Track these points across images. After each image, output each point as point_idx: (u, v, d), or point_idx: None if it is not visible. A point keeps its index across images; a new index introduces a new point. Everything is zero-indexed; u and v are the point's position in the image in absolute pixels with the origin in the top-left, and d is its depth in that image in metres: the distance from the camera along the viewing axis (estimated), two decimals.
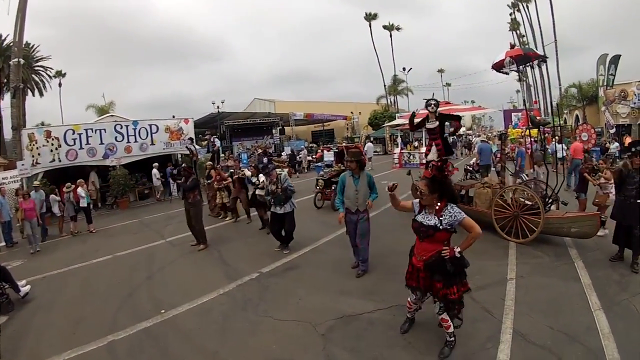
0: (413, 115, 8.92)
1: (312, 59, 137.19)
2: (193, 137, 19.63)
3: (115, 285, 7.23)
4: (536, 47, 43.25)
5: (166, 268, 8.03)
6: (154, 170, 18.07)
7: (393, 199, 4.49)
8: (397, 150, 25.81)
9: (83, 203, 12.72)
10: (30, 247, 10.26)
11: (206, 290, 6.52)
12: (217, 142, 16.56)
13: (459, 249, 3.96)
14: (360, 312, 5.32)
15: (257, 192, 10.07)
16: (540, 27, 48.44)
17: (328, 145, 18.28)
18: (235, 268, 7.59)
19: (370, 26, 55.63)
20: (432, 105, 8.52)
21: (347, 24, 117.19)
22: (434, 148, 8.71)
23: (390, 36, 58.40)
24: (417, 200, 4.23)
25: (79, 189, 12.90)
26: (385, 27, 58.03)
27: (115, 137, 17.84)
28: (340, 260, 7.39)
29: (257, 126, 34.07)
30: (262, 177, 9.91)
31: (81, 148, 16.83)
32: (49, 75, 35.90)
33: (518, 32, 57.69)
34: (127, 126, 18.31)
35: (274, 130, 34.50)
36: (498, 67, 8.13)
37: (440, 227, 3.96)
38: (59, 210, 12.57)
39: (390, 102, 54.06)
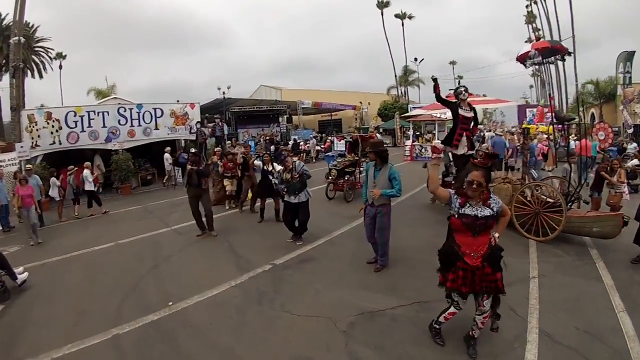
0: (436, 80, 8.30)
1: (317, 48, 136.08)
2: (199, 121, 19.32)
3: (119, 274, 6.97)
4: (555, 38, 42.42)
5: (173, 257, 7.76)
6: (166, 155, 17.74)
7: (433, 173, 4.22)
8: (408, 142, 25.44)
9: (89, 186, 12.56)
10: (31, 238, 9.48)
11: (217, 281, 6.26)
12: (225, 128, 16.26)
13: (497, 234, 3.95)
14: (382, 308, 5.15)
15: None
16: (557, 21, 47.66)
17: (342, 134, 17.91)
18: (247, 259, 7.33)
19: (382, 14, 54.80)
20: (463, 93, 8.11)
21: (355, 12, 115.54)
22: (464, 139, 8.29)
23: (402, 25, 57.56)
24: (455, 191, 4.01)
25: (85, 172, 12.69)
26: (397, 15, 57.11)
27: (119, 121, 17.51)
28: (357, 254, 7.21)
29: (263, 114, 33.71)
30: (277, 167, 9.61)
31: (83, 131, 16.53)
32: (49, 57, 35.68)
33: (534, 25, 56.93)
34: (130, 109, 17.97)
35: (280, 119, 34.22)
36: (522, 59, 7.97)
37: (495, 215, 3.79)
38: (58, 195, 12.29)
39: (401, 92, 53.35)
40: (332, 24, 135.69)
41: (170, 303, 5.59)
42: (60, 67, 49.89)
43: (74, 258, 8.18)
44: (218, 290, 5.96)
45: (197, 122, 17.65)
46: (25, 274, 6.79)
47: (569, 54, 8.06)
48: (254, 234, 9.05)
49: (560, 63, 8.40)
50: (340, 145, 18.91)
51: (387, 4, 54.56)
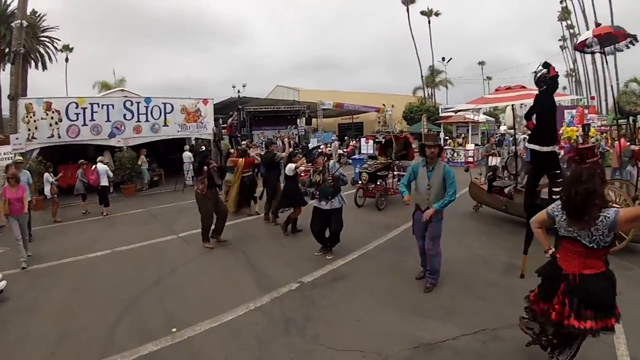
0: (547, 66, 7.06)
1: (337, 46, 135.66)
2: (212, 119, 18.65)
3: (114, 289, 6.11)
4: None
5: (179, 270, 6.90)
6: (186, 154, 17.03)
7: (543, 240, 3.58)
8: None
9: (105, 182, 12.16)
10: (21, 256, 7.43)
11: (232, 303, 5.36)
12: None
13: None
14: (441, 338, 4.36)
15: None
16: (595, 15, 46.73)
17: (373, 134, 16.99)
18: (268, 275, 6.43)
19: (407, 10, 54.23)
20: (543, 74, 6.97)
21: (377, 9, 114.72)
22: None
23: (429, 22, 57.06)
24: (557, 204, 3.30)
25: (101, 166, 12.18)
26: (423, 12, 56.65)
27: (124, 115, 16.82)
28: (399, 269, 6.49)
29: (280, 114, 32.86)
30: (292, 165, 8.75)
31: (84, 124, 15.88)
32: (55, 47, 35.49)
33: (569, 21, 55.95)
34: (138, 103, 17.30)
35: (298, 120, 33.36)
36: (581, 46, 7.32)
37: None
38: (50, 193, 11.53)
39: (428, 94, 52.54)
40: (354, 21, 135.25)
41: (174, 330, 4.69)
42: (67, 59, 50.14)
43: (64, 266, 7.38)
44: (234, 315, 5.05)
45: (236, 110, 16.64)
46: (3, 282, 6.01)
47: (635, 40, 7.15)
48: (275, 244, 8.18)
49: (598, 61, 7.50)
50: (367, 147, 18.13)
51: (412, 0, 53.96)
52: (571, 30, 57.16)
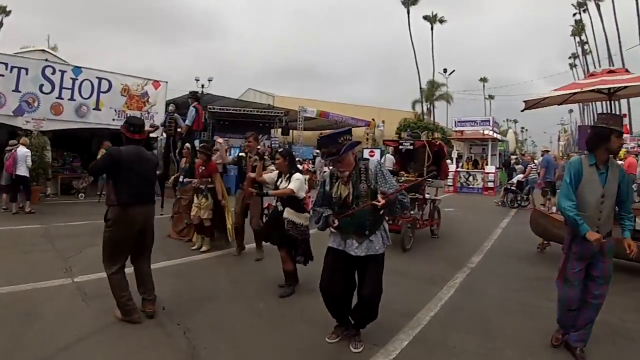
0: None
1: (322, 52, 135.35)
2: (164, 107, 15.75)
3: None
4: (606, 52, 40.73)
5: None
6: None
7: None
8: (451, 168, 22.22)
9: (21, 171, 11.34)
10: None
11: None
12: (181, 122, 12.51)
13: None
14: None
15: (287, 212, 5.90)
16: (618, 30, 47.16)
17: (394, 139, 14.47)
18: None
19: (408, 12, 53.52)
20: None
21: (372, 9, 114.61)
22: None
23: (432, 29, 56.78)
24: None
25: (22, 150, 11.47)
26: (425, 17, 56.38)
27: (41, 86, 13.98)
28: None
29: (251, 120, 30.32)
30: (297, 176, 5.87)
31: None
32: None
33: (583, 36, 56.48)
34: (62, 72, 14.41)
35: (272, 130, 31.35)
36: None
37: None
38: None
39: (425, 109, 51.72)
40: (341, 25, 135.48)
41: None
42: (1, 24, 46.67)
43: None
44: None
45: (171, 102, 13.65)
46: None
47: None
48: (248, 313, 5.14)
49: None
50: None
51: (414, 1, 53.31)
52: (584, 47, 57.67)
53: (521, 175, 17.03)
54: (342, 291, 4.32)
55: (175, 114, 13.25)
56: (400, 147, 10.50)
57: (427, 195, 9.93)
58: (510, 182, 17.43)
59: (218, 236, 8.42)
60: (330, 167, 4.47)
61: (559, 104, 10.14)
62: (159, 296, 5.09)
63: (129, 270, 4.90)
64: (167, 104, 15.55)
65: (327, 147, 4.09)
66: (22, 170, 11.35)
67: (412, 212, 9.39)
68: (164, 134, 14.07)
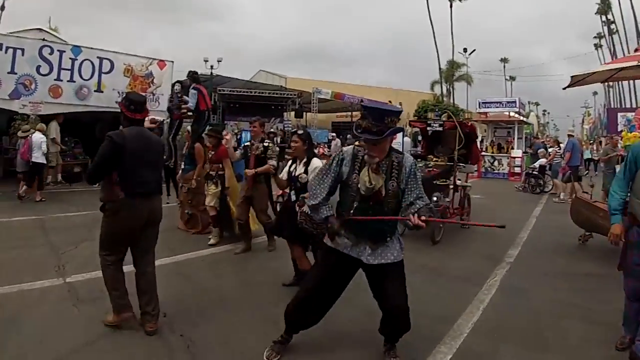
0: None
1: (335, 33, 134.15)
2: (170, 88, 15.21)
3: None
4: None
5: None
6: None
7: None
8: None
9: (37, 157, 11.34)
10: None
11: None
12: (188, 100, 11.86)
13: None
14: None
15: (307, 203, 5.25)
16: None
17: (420, 119, 13.99)
18: None
19: None
20: None
21: None
22: None
23: (451, 6, 56.12)
24: None
25: (36, 136, 11.43)
26: None
27: (38, 67, 13.61)
28: None
29: (263, 103, 30.00)
30: (316, 163, 5.24)
31: None
32: None
33: (610, 15, 55.45)
34: (61, 52, 14.02)
35: (285, 113, 31.03)
36: None
37: None
38: None
39: (445, 91, 51.28)
40: (355, 2, 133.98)
41: None
42: (3, 7, 46.47)
43: None
44: None
45: (177, 82, 13.15)
46: None
47: None
48: (262, 323, 4.58)
49: None
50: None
51: None
52: (610, 26, 56.65)
53: (544, 160, 16.79)
54: (329, 301, 3.78)
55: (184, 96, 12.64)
56: (428, 128, 9.91)
57: (458, 182, 9.39)
58: (531, 166, 17.20)
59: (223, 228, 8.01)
60: (355, 147, 3.74)
61: (602, 81, 9.58)
62: (160, 300, 4.57)
63: (127, 268, 4.38)
64: (173, 85, 15.07)
65: (368, 121, 3.35)
66: (38, 157, 11.40)
67: (442, 199, 8.89)
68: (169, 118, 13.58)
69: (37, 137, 11.51)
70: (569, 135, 16.01)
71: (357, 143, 4.14)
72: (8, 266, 6.03)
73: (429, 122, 10.20)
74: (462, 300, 5.39)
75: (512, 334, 4.51)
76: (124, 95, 4.52)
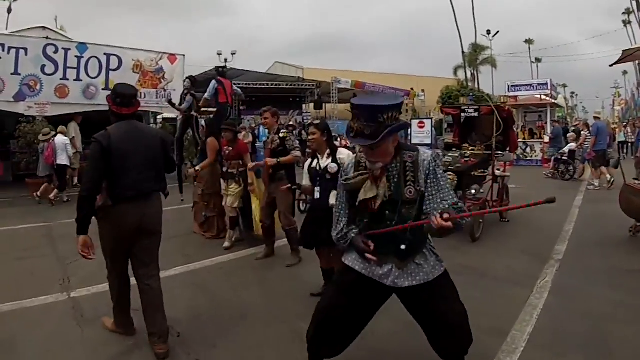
0: None
1: (350, 22, 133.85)
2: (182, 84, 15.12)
3: None
4: None
5: None
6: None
7: None
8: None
9: (62, 159, 11.81)
10: None
11: None
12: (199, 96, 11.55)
13: None
14: None
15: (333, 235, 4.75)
16: None
17: (452, 106, 13.45)
18: None
19: None
20: None
21: None
22: None
23: None
24: None
25: (59, 139, 11.91)
26: None
27: (43, 67, 13.54)
28: None
29: (280, 95, 30.01)
30: (344, 152, 5.01)
31: None
32: None
33: None
34: (66, 50, 13.96)
35: (304, 105, 31.31)
36: None
37: None
38: None
39: (469, 76, 50.93)
40: None
41: None
42: (10, 10, 47.32)
43: None
44: None
45: (188, 77, 12.91)
46: None
47: None
48: (288, 341, 4.16)
49: None
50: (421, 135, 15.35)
51: None
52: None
53: (573, 144, 16.50)
54: (351, 328, 3.20)
55: (193, 92, 12.31)
56: (463, 114, 9.42)
57: (497, 172, 8.91)
58: (561, 151, 16.80)
59: (243, 231, 7.67)
60: (358, 153, 3.19)
61: None
62: (174, 316, 4.21)
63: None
64: (184, 81, 14.85)
65: (359, 122, 2.78)
66: (63, 159, 11.82)
67: (480, 191, 8.61)
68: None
69: (61, 139, 11.89)
70: (595, 118, 15.83)
71: (357, 148, 3.57)
72: (9, 280, 5.77)
73: (463, 107, 9.71)
74: (513, 306, 4.97)
75: (572, 345, 4.08)
76: (112, 88, 4.17)
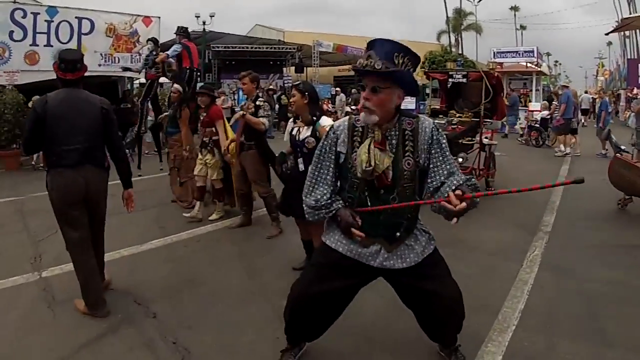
0: None
1: None
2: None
3: None
4: None
5: None
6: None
7: None
8: None
9: None
10: None
11: None
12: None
13: None
14: None
15: (305, 204, 4.54)
16: None
17: (440, 70, 13.34)
18: None
19: None
20: None
21: None
22: None
23: None
24: None
25: None
26: None
27: (11, 33, 13.18)
28: None
29: (261, 58, 29.82)
30: (325, 122, 4.57)
31: None
32: None
33: None
34: (35, 14, 13.54)
35: (285, 69, 30.98)
36: None
37: None
38: None
39: (453, 41, 51.53)
40: None
41: None
42: None
43: None
44: None
45: (150, 39, 12.32)
46: None
47: None
48: (271, 320, 3.97)
49: None
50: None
51: None
52: None
53: (546, 112, 17.03)
54: (329, 312, 3.04)
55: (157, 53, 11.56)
56: (450, 79, 9.27)
57: (485, 140, 8.80)
58: (533, 119, 17.74)
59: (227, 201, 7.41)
60: (352, 108, 2.94)
61: None
62: (149, 296, 4.10)
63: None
64: (147, 42, 14.18)
65: (371, 59, 2.49)
66: None
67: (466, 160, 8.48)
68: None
69: None
70: (564, 87, 16.80)
71: (353, 111, 3.37)
72: None
73: (450, 73, 9.56)
74: (503, 281, 4.90)
75: (566, 325, 4.00)
76: (57, 53, 4.07)
